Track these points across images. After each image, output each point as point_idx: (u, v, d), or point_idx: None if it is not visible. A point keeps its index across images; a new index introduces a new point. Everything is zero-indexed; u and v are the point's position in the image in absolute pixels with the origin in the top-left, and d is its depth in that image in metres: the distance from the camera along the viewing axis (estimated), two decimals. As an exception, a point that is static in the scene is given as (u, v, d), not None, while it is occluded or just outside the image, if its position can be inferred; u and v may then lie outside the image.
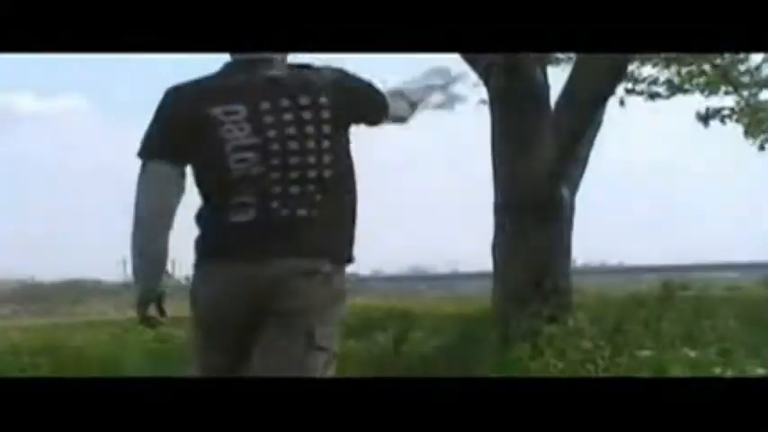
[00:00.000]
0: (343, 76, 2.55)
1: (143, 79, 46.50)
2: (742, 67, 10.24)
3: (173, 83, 2.46)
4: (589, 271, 20.09)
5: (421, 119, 2.95)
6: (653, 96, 9.99)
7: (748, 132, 10.79)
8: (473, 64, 6.78)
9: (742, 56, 9.72)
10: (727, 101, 10.46)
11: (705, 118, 10.26)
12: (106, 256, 40.55)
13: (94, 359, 6.76)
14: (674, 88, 9.97)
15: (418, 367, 5.57)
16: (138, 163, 2.41)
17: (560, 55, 8.00)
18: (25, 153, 54.25)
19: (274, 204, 2.37)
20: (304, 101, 2.42)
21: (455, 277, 22.24)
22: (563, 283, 6.50)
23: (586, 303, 7.44)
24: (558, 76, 6.89)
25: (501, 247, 6.59)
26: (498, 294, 6.68)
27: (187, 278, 3.85)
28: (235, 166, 2.35)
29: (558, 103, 6.51)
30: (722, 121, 10.52)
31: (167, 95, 2.47)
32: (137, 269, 2.46)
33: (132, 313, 2.55)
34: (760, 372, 4.77)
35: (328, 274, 2.43)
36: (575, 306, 6.55)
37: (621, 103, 9.77)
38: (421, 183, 38.31)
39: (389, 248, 5.77)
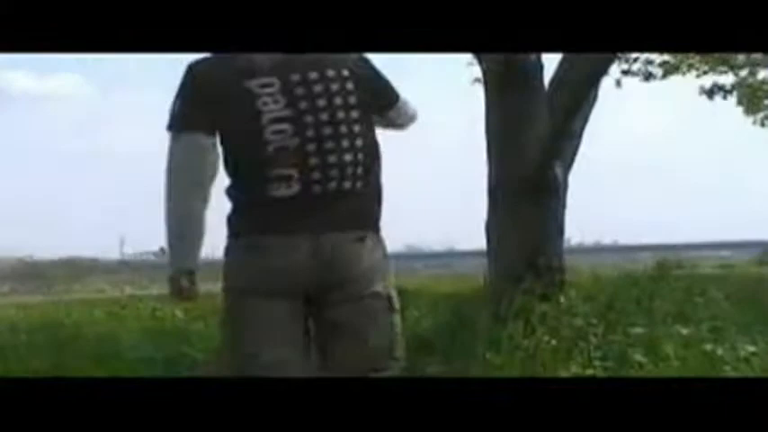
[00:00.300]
0: (357, 54, 2.60)
1: (141, 59, 46.26)
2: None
3: (171, 63, 2.48)
4: (583, 250, 20.22)
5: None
6: (648, 77, 10.02)
7: (747, 109, 10.88)
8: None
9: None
10: (722, 80, 10.53)
11: (711, 92, 10.33)
12: (103, 235, 40.66)
13: (92, 336, 6.79)
14: (670, 68, 9.99)
15: (414, 345, 5.60)
16: (138, 141, 2.44)
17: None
18: (21, 132, 54.22)
19: (316, 176, 2.39)
20: (330, 73, 2.46)
21: (451, 255, 22.30)
22: (556, 261, 6.53)
23: (579, 282, 7.47)
24: (552, 55, 6.89)
25: (494, 225, 6.62)
26: (492, 272, 6.72)
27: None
28: (271, 137, 2.38)
29: (551, 82, 6.54)
30: (724, 96, 10.58)
31: (193, 69, 2.49)
32: (173, 242, 2.47)
33: (130, 290, 2.57)
34: (750, 349, 4.80)
35: (376, 241, 2.53)
36: (567, 284, 6.58)
37: (618, 83, 9.80)
38: (416, 160, 38.45)
39: (384, 226, 5.77)
